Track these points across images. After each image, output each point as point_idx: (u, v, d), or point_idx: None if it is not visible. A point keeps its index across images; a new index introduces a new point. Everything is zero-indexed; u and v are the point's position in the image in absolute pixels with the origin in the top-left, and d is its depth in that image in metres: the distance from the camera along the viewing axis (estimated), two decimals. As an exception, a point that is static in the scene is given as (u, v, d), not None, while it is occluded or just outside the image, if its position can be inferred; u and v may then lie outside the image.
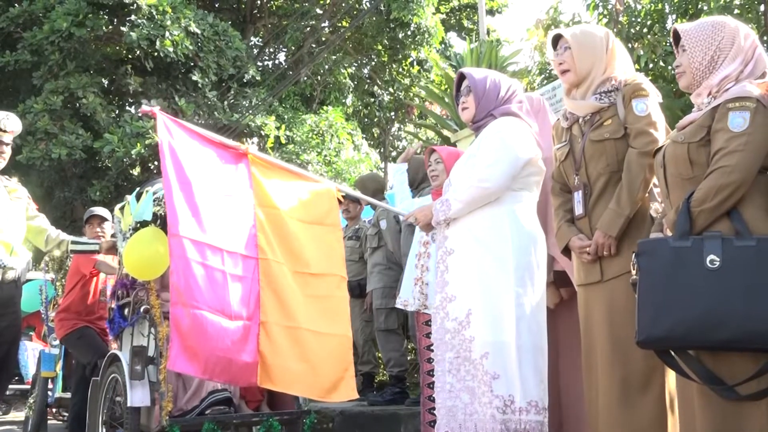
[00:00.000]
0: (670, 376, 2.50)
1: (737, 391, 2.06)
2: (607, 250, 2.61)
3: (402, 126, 16.90)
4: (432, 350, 3.87)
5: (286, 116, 13.37)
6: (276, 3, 16.76)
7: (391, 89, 15.72)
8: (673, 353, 2.20)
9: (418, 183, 4.82)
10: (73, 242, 4.18)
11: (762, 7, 5.53)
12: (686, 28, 2.39)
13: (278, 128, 12.65)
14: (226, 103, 12.71)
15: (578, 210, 2.75)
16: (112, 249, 4.23)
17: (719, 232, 2.14)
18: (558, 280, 3.11)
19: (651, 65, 5.72)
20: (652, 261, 2.17)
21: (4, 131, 3.89)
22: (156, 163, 12.37)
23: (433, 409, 3.82)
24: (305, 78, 14.66)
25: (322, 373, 3.24)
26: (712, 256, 2.08)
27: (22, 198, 4.00)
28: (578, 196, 2.75)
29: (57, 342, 5.81)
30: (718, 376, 2.10)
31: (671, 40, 2.51)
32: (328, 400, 3.31)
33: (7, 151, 3.91)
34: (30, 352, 8.01)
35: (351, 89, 15.62)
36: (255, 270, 3.12)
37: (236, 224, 3.17)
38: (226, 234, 3.12)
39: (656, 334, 2.12)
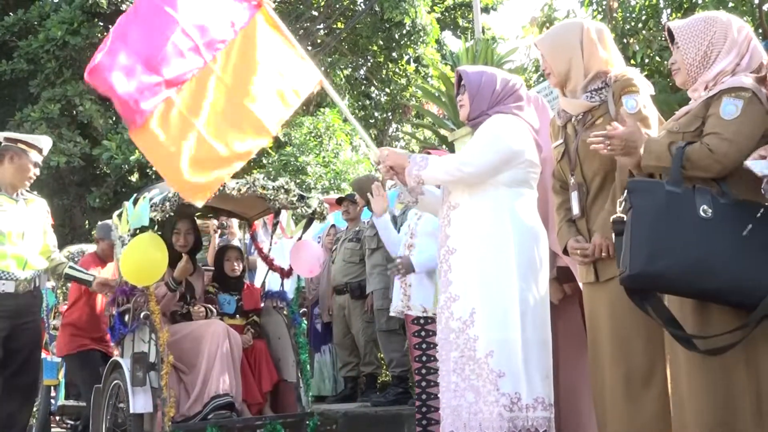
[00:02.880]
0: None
1: (696, 343, 2.11)
2: (605, 252, 2.59)
3: (399, 126, 16.91)
4: (418, 348, 3.90)
5: (283, 119, 13.37)
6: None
7: (387, 89, 15.73)
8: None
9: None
10: (71, 267, 4.21)
11: (756, 0, 5.53)
12: (678, 25, 2.39)
13: (276, 129, 12.64)
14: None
15: (575, 210, 2.73)
16: (105, 286, 4.23)
17: (708, 188, 2.16)
18: (561, 276, 3.11)
19: (647, 60, 5.72)
20: (646, 200, 2.15)
21: (41, 154, 4.07)
22: (154, 168, 12.38)
23: (423, 407, 3.85)
24: (301, 80, 14.64)
25: (188, 171, 2.93)
26: (704, 206, 2.11)
27: (40, 209, 4.07)
28: (574, 196, 2.73)
29: (58, 351, 5.80)
30: (696, 329, 2.14)
31: (666, 36, 2.51)
32: (182, 193, 3.11)
33: (37, 172, 4.05)
34: (32, 361, 8.00)
35: (348, 90, 15.62)
36: (196, 67, 2.97)
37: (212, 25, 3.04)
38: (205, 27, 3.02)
39: (650, 272, 2.10)
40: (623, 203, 2.21)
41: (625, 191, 2.22)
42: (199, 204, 3.17)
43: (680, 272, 2.08)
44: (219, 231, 6.43)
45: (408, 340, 4.21)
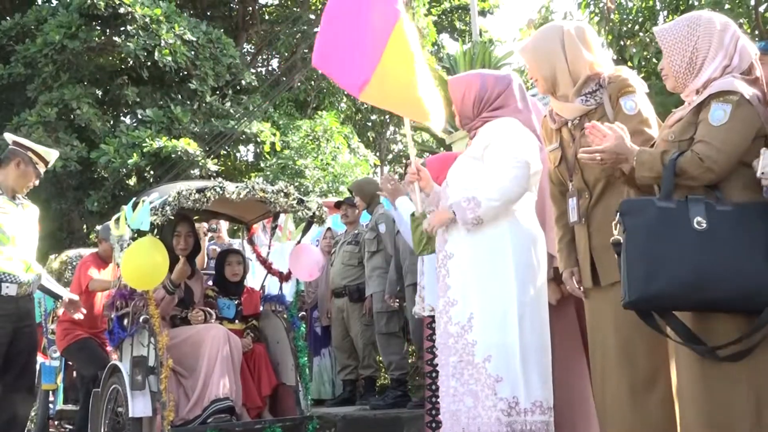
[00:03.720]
0: (675, 370, 2.51)
1: (717, 353, 2.09)
2: None
3: (397, 129, 16.91)
4: (431, 352, 3.90)
5: (281, 122, 13.40)
6: (268, 9, 16.80)
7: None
8: (654, 314, 2.20)
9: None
10: (46, 280, 4.19)
11: (752, 2, 5.54)
12: (661, 31, 2.36)
13: (273, 134, 12.66)
14: (228, 106, 12.71)
15: (572, 217, 2.69)
16: (72, 304, 4.21)
17: (702, 196, 2.15)
18: (558, 277, 3.10)
19: (644, 63, 5.73)
20: (638, 220, 2.14)
21: (46, 167, 4.10)
22: (152, 172, 12.38)
23: (433, 410, 3.85)
24: (299, 84, 14.68)
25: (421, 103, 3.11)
26: (698, 218, 2.09)
27: (34, 215, 4.11)
28: (572, 202, 2.69)
29: (57, 354, 5.80)
30: (699, 337, 2.12)
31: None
32: (423, 122, 3.20)
33: (37, 182, 4.11)
34: (30, 365, 7.97)
35: (345, 93, 15.63)
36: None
37: None
38: None
39: (650, 293, 2.09)
40: (617, 226, 2.21)
41: (617, 214, 2.21)
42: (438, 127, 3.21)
43: (679, 289, 2.07)
44: (209, 234, 6.42)
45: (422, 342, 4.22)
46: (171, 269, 4.06)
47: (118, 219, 4.09)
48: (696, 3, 5.70)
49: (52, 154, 4.14)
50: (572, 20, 5.71)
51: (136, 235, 3.87)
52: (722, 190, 2.17)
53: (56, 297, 4.27)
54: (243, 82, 13.14)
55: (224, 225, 6.61)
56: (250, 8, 16.11)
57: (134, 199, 4.08)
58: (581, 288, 2.73)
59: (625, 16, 6.11)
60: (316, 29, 15.98)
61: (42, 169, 4.07)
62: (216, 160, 12.90)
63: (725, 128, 2.13)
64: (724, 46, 2.26)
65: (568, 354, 3.00)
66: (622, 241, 2.18)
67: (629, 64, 5.62)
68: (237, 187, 3.97)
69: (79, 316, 4.21)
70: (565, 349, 3.00)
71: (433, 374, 3.85)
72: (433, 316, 3.79)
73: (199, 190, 3.85)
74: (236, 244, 6.34)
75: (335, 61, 3.22)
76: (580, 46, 2.67)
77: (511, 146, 2.82)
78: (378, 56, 3.03)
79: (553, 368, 2.89)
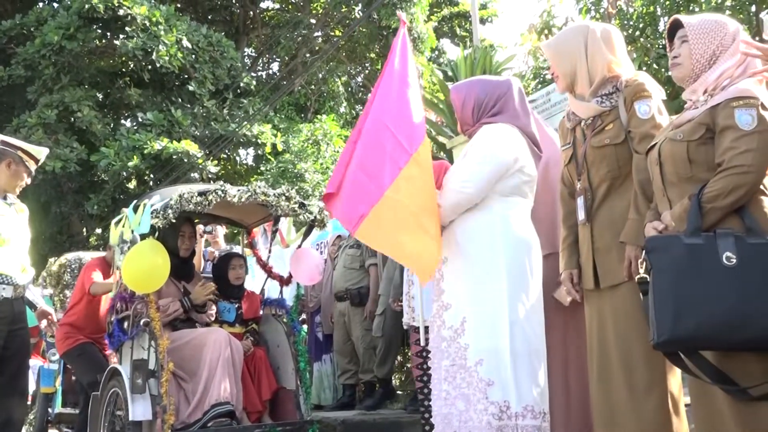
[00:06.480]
0: (673, 378, 2.50)
1: (749, 392, 2.01)
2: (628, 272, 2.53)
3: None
4: (419, 356, 3.92)
5: (281, 126, 13.42)
6: (269, 13, 16.83)
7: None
8: (681, 354, 2.13)
9: None
10: (27, 290, 4.14)
11: (753, 8, 5.57)
12: (691, 21, 2.37)
13: (275, 135, 12.67)
14: (225, 111, 12.73)
15: (581, 216, 2.71)
16: (43, 314, 4.19)
17: (731, 228, 2.08)
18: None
19: (644, 68, 5.75)
20: (665, 258, 2.07)
21: (37, 164, 4.06)
22: (152, 176, 12.38)
23: (426, 413, 3.86)
24: (299, 87, 14.70)
25: (411, 248, 2.94)
26: (728, 254, 2.01)
27: (26, 216, 4.09)
28: (580, 201, 2.71)
29: (56, 357, 5.78)
30: (730, 376, 2.05)
31: (665, 33, 2.48)
32: (408, 265, 3.16)
33: (28, 181, 4.07)
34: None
35: (345, 97, 15.67)
36: (403, 162, 2.94)
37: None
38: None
39: (680, 335, 2.01)
40: (644, 263, 2.15)
41: (643, 252, 2.16)
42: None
43: (711, 329, 1.98)
44: (204, 237, 6.40)
45: (410, 349, 4.26)
46: (171, 271, 4.05)
47: (118, 222, 4.07)
48: (697, 9, 5.72)
49: (42, 152, 4.08)
50: (601, 22, 5.73)
51: (138, 237, 3.86)
52: (748, 208, 2.11)
53: (32, 306, 4.24)
54: (242, 84, 13.16)
55: (221, 230, 6.60)
56: (251, 12, 16.15)
57: (135, 201, 4.07)
58: (578, 290, 2.74)
59: (625, 22, 6.13)
60: (316, 33, 16.09)
61: (33, 167, 4.01)
62: (216, 162, 12.91)
63: (758, 130, 2.10)
64: (741, 52, 2.27)
65: (582, 358, 2.99)
66: (648, 279, 2.10)
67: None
68: (239, 190, 3.96)
69: (50, 330, 4.17)
70: (578, 351, 2.99)
71: (424, 378, 3.87)
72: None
73: (201, 193, 3.84)
74: (236, 248, 6.33)
75: (344, 192, 3.03)
76: (602, 47, 2.70)
77: (487, 145, 2.85)
78: (381, 193, 2.90)
79: (569, 372, 2.90)
